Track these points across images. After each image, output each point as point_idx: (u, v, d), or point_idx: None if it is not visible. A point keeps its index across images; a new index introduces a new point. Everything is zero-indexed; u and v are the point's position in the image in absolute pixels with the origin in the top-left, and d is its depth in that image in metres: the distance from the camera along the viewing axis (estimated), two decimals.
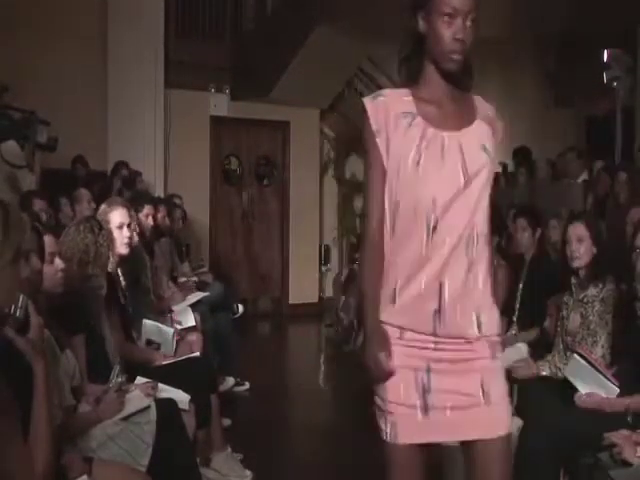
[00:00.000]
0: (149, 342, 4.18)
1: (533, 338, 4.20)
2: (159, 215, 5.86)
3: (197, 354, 4.33)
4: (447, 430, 2.06)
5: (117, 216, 4.09)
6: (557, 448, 3.04)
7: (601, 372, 3.28)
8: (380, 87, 9.65)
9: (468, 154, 2.03)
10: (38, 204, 4.92)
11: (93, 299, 3.45)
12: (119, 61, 8.18)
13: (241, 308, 6.79)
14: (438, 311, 2.02)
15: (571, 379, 3.34)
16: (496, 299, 2.14)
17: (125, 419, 2.97)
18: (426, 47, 2.07)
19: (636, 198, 5.47)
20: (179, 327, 4.74)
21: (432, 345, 2.03)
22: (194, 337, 4.66)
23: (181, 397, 3.40)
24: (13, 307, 2.03)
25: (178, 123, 8.74)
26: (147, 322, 4.24)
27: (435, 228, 2.01)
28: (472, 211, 2.03)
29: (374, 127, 2.08)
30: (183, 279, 6.20)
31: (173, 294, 5.51)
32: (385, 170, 2.07)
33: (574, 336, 3.58)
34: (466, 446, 2.10)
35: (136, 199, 5.53)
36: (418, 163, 2.01)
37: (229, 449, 4.17)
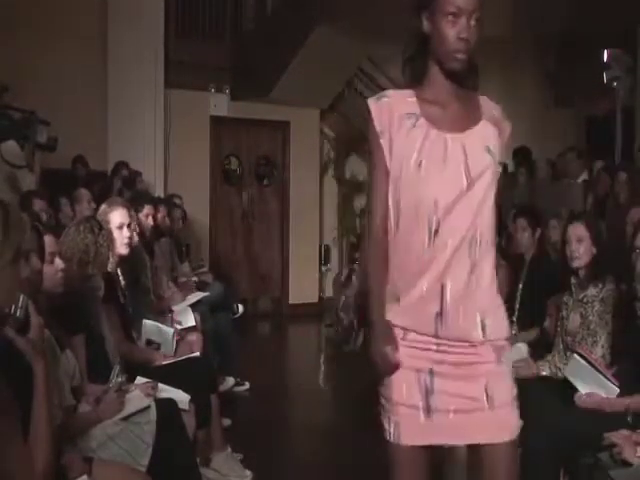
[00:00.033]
0: (149, 342, 4.18)
1: (533, 338, 4.20)
2: (159, 215, 5.86)
3: (197, 354, 4.33)
4: (450, 433, 2.06)
5: (117, 216, 4.09)
6: (557, 448, 3.04)
7: (601, 372, 3.28)
8: (380, 87, 9.67)
9: (471, 156, 2.02)
10: (38, 204, 4.92)
11: (92, 299, 3.46)
12: (119, 61, 8.18)
13: (241, 308, 6.79)
14: (440, 313, 2.01)
15: (571, 379, 3.35)
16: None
17: (125, 419, 2.97)
18: (430, 47, 2.07)
19: (636, 198, 5.47)
20: (179, 327, 4.73)
21: (434, 347, 2.03)
22: (194, 337, 4.66)
23: (181, 397, 3.40)
24: (13, 307, 2.03)
25: (178, 123, 8.74)
26: (147, 322, 4.24)
27: (437, 230, 2.00)
28: (475, 213, 2.02)
29: (378, 128, 2.08)
30: (183, 279, 6.21)
31: (173, 294, 5.51)
32: (388, 171, 2.07)
33: (574, 336, 3.58)
34: (472, 450, 2.10)
35: (136, 199, 5.53)
36: (420, 165, 2.01)
37: (229, 449, 4.17)
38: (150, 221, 5.47)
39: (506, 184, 8.10)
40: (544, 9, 7.89)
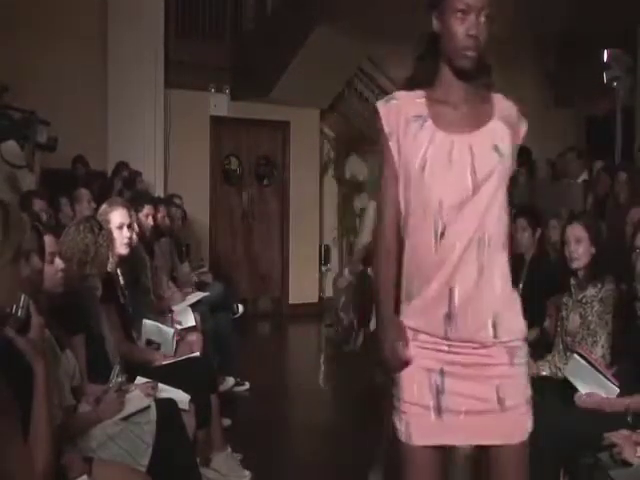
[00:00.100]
0: (149, 342, 4.18)
1: (533, 338, 4.19)
2: (159, 215, 5.86)
3: (197, 354, 4.33)
4: (461, 434, 2.06)
5: (117, 216, 4.09)
6: (557, 448, 3.04)
7: (601, 372, 3.28)
8: (380, 87, 9.70)
9: (478, 156, 2.00)
10: (38, 204, 4.92)
11: (91, 299, 3.45)
12: (119, 61, 8.18)
13: (241, 308, 6.78)
14: (449, 315, 2.01)
15: (571, 379, 3.35)
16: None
17: (125, 419, 2.97)
18: (441, 47, 2.05)
19: (636, 198, 5.47)
20: (179, 327, 4.73)
21: (445, 348, 2.03)
22: (194, 337, 4.66)
23: (181, 397, 3.40)
24: (14, 307, 2.03)
25: (178, 123, 8.74)
26: (147, 322, 4.24)
27: (443, 233, 2.00)
28: (482, 215, 2.00)
29: (386, 130, 2.09)
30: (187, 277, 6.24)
31: (173, 294, 5.51)
32: (397, 173, 2.08)
33: (574, 336, 3.58)
34: (482, 451, 2.10)
35: (136, 199, 5.53)
36: (424, 167, 2.01)
37: (229, 449, 4.17)
38: (150, 221, 5.47)
39: None
40: (544, 9, 7.90)
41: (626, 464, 2.81)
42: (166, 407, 3.13)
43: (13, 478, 1.91)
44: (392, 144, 2.08)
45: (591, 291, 3.57)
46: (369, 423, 3.99)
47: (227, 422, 4.66)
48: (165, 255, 5.95)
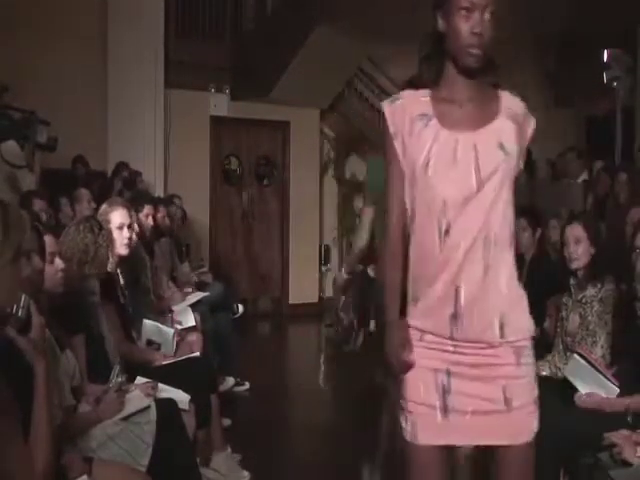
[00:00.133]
0: (149, 342, 4.18)
1: None
2: (159, 215, 5.86)
3: (197, 354, 4.33)
4: (467, 434, 2.05)
5: (117, 216, 4.08)
6: (557, 448, 3.03)
7: (601, 372, 3.28)
8: (380, 87, 9.71)
9: (482, 155, 1.99)
10: (38, 204, 4.92)
11: (90, 299, 3.45)
12: (119, 61, 8.18)
13: (241, 308, 6.79)
14: (454, 315, 2.00)
15: (571, 379, 3.34)
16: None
17: (125, 419, 2.97)
18: (446, 46, 2.05)
19: (636, 198, 5.47)
20: (179, 327, 4.73)
21: (451, 348, 2.03)
22: (194, 337, 4.65)
23: (181, 397, 3.40)
24: (15, 307, 2.03)
25: (178, 123, 8.74)
26: (147, 322, 4.24)
27: (447, 231, 1.99)
28: (487, 213, 1.99)
29: (391, 130, 2.08)
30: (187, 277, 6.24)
31: (173, 294, 5.51)
32: (403, 172, 2.08)
33: (574, 337, 3.58)
34: (488, 451, 2.10)
35: (136, 199, 5.52)
36: (427, 166, 2.00)
37: (229, 449, 4.17)
38: (150, 221, 5.47)
39: None
40: (544, 9, 7.89)
41: (626, 464, 2.81)
42: (166, 407, 3.13)
43: (13, 478, 1.91)
44: (397, 144, 2.08)
45: (591, 291, 3.57)
46: (369, 423, 3.99)
47: (227, 422, 4.66)
48: (165, 255, 5.95)
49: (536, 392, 2.09)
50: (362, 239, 3.77)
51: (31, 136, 5.58)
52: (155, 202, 5.91)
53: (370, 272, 6.65)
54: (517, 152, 2.04)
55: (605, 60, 7.36)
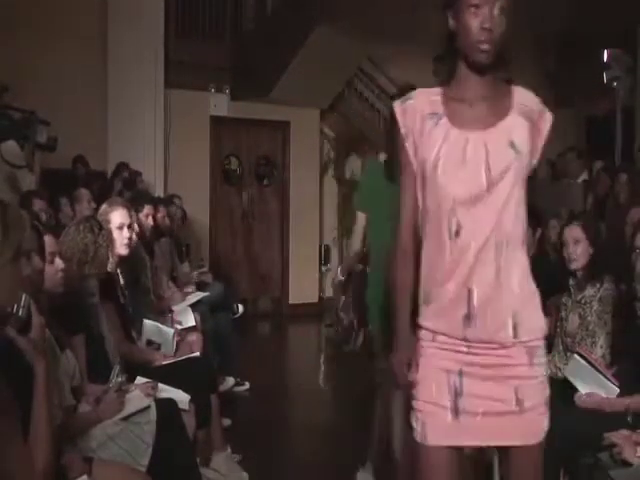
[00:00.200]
0: (149, 342, 4.18)
1: None
2: (159, 215, 5.86)
3: (197, 354, 4.33)
4: (478, 435, 2.05)
5: (117, 216, 4.08)
6: (557, 448, 3.03)
7: (601, 372, 3.28)
8: (380, 87, 9.71)
9: (493, 153, 1.97)
10: (38, 204, 4.92)
11: (89, 300, 3.45)
12: (119, 61, 8.18)
13: (241, 308, 6.79)
14: (468, 316, 1.99)
15: (571, 379, 3.34)
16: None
17: (125, 419, 2.97)
18: (457, 44, 2.03)
19: (636, 198, 5.47)
20: (179, 327, 4.73)
21: (464, 349, 2.01)
22: (194, 337, 4.65)
23: (181, 397, 3.40)
24: (15, 306, 2.03)
25: (178, 123, 8.74)
26: (147, 322, 4.24)
27: (458, 232, 1.98)
28: (499, 213, 1.97)
29: (403, 131, 2.07)
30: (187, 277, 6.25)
31: (173, 294, 5.51)
32: (415, 174, 2.07)
33: (573, 337, 3.58)
34: (500, 451, 2.11)
35: (136, 199, 5.52)
36: (437, 165, 1.99)
37: (229, 449, 4.17)
38: (150, 221, 5.47)
39: None
40: (544, 9, 7.89)
41: (626, 464, 2.81)
42: (166, 407, 3.13)
43: (13, 478, 1.91)
44: (408, 145, 2.07)
45: (590, 291, 3.57)
46: (369, 423, 3.98)
47: (227, 422, 4.66)
48: (165, 255, 5.95)
49: (547, 392, 2.08)
50: (356, 243, 3.79)
51: (31, 136, 5.58)
52: (155, 202, 5.91)
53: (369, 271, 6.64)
54: (528, 150, 2.02)
55: (605, 60, 7.36)
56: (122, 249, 4.07)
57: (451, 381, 2.02)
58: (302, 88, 8.75)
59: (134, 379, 3.40)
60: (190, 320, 5.04)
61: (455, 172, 1.98)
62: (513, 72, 2.11)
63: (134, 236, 4.24)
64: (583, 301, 3.58)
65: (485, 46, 1.97)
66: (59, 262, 2.98)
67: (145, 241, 5.22)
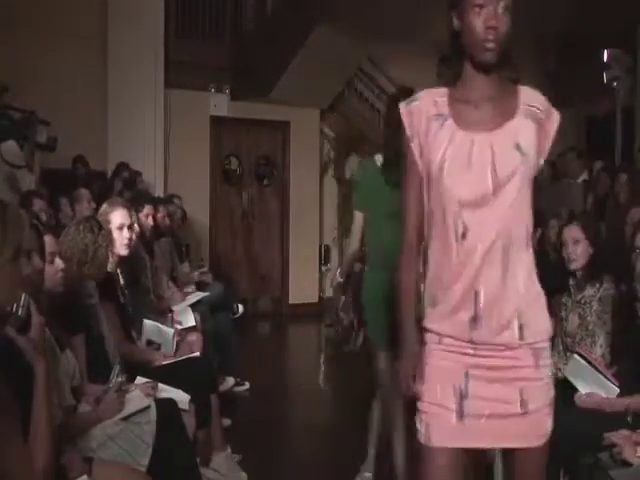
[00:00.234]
0: (149, 342, 4.17)
1: None
2: (159, 215, 5.86)
3: (197, 354, 4.33)
4: (481, 437, 2.04)
5: (118, 217, 4.07)
6: (557, 448, 3.03)
7: (601, 372, 3.28)
8: (380, 87, 9.71)
9: (499, 156, 1.97)
10: (38, 204, 4.92)
11: (87, 302, 3.45)
12: (119, 61, 8.18)
13: (241, 308, 6.79)
14: (474, 319, 1.99)
15: (571, 379, 3.34)
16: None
17: (125, 419, 2.97)
18: (463, 45, 2.02)
19: (636, 198, 5.47)
20: (179, 327, 4.73)
21: (470, 351, 2.01)
22: (194, 337, 4.65)
23: (181, 397, 3.40)
24: (15, 306, 2.03)
25: (178, 123, 8.74)
26: (147, 322, 4.24)
27: (464, 234, 1.97)
28: (505, 216, 1.97)
29: (408, 132, 2.07)
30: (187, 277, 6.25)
31: (173, 294, 5.51)
32: (420, 175, 2.06)
33: (573, 337, 3.58)
34: (504, 453, 2.11)
35: (136, 199, 5.52)
36: (442, 168, 1.98)
37: (229, 449, 4.17)
38: (150, 221, 5.47)
39: None
40: (544, 9, 7.89)
41: (626, 464, 2.81)
42: (166, 407, 3.13)
43: (13, 478, 1.91)
44: (414, 146, 2.06)
45: (589, 291, 3.57)
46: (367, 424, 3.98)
47: (227, 422, 4.66)
48: (165, 255, 5.95)
49: (552, 393, 2.08)
50: (354, 243, 3.78)
51: (31, 136, 5.58)
52: (155, 202, 5.91)
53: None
54: (535, 152, 2.02)
55: (605, 60, 7.37)
56: (122, 249, 4.06)
57: (456, 383, 2.01)
58: (302, 88, 8.75)
59: (134, 379, 3.40)
60: (190, 320, 5.04)
61: (461, 174, 1.97)
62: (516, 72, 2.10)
63: (134, 236, 4.24)
64: (583, 301, 3.58)
65: (490, 45, 1.97)
66: (59, 262, 2.98)
67: (145, 241, 5.22)
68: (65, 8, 7.92)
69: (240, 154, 9.78)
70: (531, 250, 2.06)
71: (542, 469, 2.11)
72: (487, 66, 2.01)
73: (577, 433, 3.03)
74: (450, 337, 2.03)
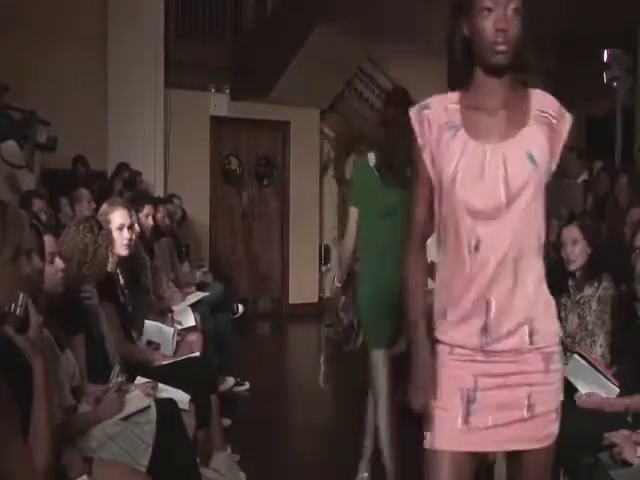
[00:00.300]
0: (149, 342, 4.17)
1: None
2: (159, 215, 5.86)
3: (197, 354, 4.33)
4: (487, 441, 2.04)
5: (118, 217, 4.07)
6: (557, 448, 3.03)
7: (601, 372, 3.28)
8: (380, 87, 9.71)
9: (512, 166, 1.95)
10: (38, 204, 4.92)
11: (87, 302, 3.45)
12: (119, 61, 8.18)
13: (241, 308, 6.79)
14: (485, 327, 1.98)
15: (571, 379, 3.34)
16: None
17: (125, 419, 2.97)
18: (473, 50, 2.00)
19: (636, 198, 5.47)
20: (179, 327, 4.73)
21: (481, 358, 2.00)
22: (194, 337, 4.65)
23: (181, 397, 3.40)
24: (13, 305, 2.03)
25: (178, 123, 8.74)
26: (147, 323, 4.24)
27: (477, 247, 1.96)
28: (517, 227, 1.96)
29: (420, 141, 2.06)
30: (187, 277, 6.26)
31: (173, 294, 5.51)
32: (432, 185, 2.05)
33: (573, 337, 3.58)
34: (509, 453, 2.10)
35: (136, 199, 5.52)
36: (455, 180, 1.97)
37: (229, 449, 4.17)
38: (150, 221, 5.47)
39: None
40: (544, 9, 7.88)
41: (626, 464, 2.81)
42: (166, 407, 3.13)
43: (13, 478, 1.91)
44: (425, 155, 2.05)
45: (588, 291, 3.58)
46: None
47: (227, 422, 4.66)
48: (165, 255, 5.95)
49: (561, 397, 2.08)
50: (350, 241, 3.75)
51: (31, 136, 5.59)
52: (155, 202, 5.91)
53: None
54: (547, 159, 2.00)
55: (605, 60, 7.37)
56: (122, 250, 4.06)
57: (464, 388, 2.01)
58: (302, 88, 8.74)
59: (134, 379, 3.40)
60: (190, 320, 5.04)
61: (473, 187, 1.96)
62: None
63: (134, 236, 4.24)
64: (582, 301, 3.58)
65: (501, 47, 1.94)
66: (59, 262, 2.98)
67: (145, 241, 5.22)
68: (65, 8, 7.92)
69: (240, 154, 9.78)
70: (542, 257, 2.06)
71: (548, 470, 2.10)
72: (499, 69, 1.99)
73: (577, 433, 3.03)
74: (460, 347, 2.02)
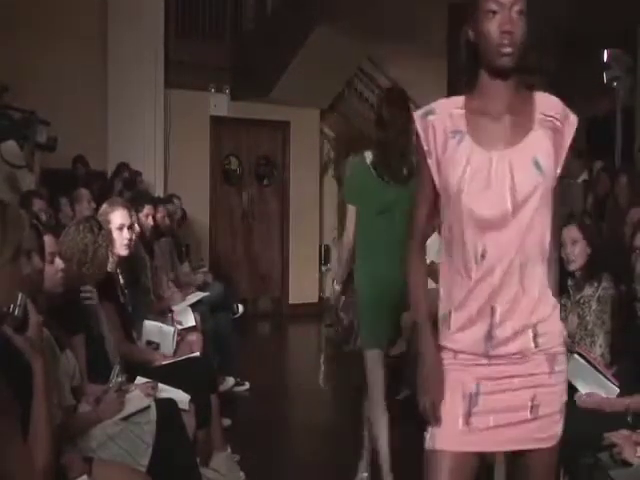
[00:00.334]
0: (149, 342, 4.17)
1: None
2: (159, 215, 5.86)
3: (197, 354, 4.33)
4: (488, 441, 2.03)
5: (118, 217, 4.07)
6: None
7: (601, 372, 3.28)
8: (380, 87, 9.70)
9: (518, 174, 1.94)
10: (38, 204, 4.92)
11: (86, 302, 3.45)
12: (119, 61, 8.18)
13: (241, 308, 6.79)
14: (490, 332, 1.98)
15: (571, 379, 3.32)
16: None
17: (125, 419, 2.97)
18: (479, 54, 1.99)
19: (636, 198, 5.47)
20: (179, 327, 4.73)
21: (485, 362, 2.00)
22: (194, 337, 4.65)
23: (181, 397, 3.40)
24: (12, 306, 2.03)
25: (178, 123, 8.74)
26: (148, 323, 4.24)
27: (483, 255, 1.96)
28: (524, 235, 1.95)
29: (425, 148, 2.04)
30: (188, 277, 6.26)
31: (173, 294, 5.51)
32: (437, 192, 2.05)
33: (573, 338, 3.58)
34: (512, 453, 2.10)
35: (136, 199, 5.52)
36: (461, 188, 1.96)
37: (229, 449, 4.17)
38: (150, 221, 5.47)
39: None
40: (544, 9, 7.89)
41: (626, 464, 2.81)
42: (166, 407, 3.13)
43: (13, 478, 1.91)
44: (431, 162, 2.04)
45: (588, 291, 3.58)
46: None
47: (227, 422, 4.66)
48: (165, 255, 5.95)
49: (564, 398, 2.07)
50: (349, 239, 3.75)
51: (31, 136, 5.59)
52: (155, 202, 5.91)
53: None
54: (552, 164, 1.99)
55: (605, 60, 7.37)
56: (122, 250, 4.06)
57: (467, 390, 2.01)
58: (302, 88, 8.75)
59: (134, 379, 3.40)
60: (190, 320, 5.04)
61: (480, 195, 1.95)
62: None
63: (134, 236, 4.24)
64: (582, 301, 3.58)
65: (507, 49, 1.93)
66: (59, 262, 2.97)
67: (145, 241, 5.22)
68: (65, 8, 7.92)
69: (240, 154, 9.78)
70: (546, 262, 2.04)
71: (551, 470, 2.10)
72: (504, 71, 1.98)
73: (577, 433, 3.02)
74: (465, 352, 2.02)
